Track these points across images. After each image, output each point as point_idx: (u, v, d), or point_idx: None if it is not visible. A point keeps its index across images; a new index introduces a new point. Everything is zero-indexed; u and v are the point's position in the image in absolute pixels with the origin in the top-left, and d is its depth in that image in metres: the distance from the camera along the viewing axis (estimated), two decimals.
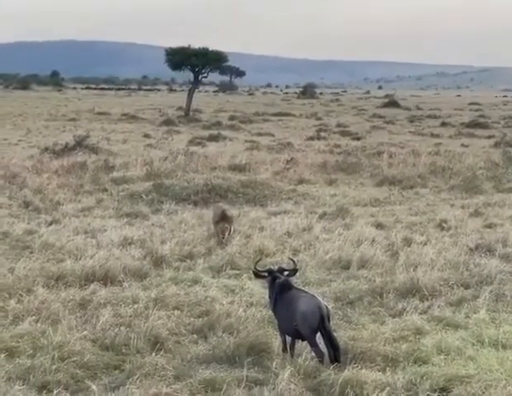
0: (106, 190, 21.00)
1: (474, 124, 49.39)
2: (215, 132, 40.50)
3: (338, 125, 48.96)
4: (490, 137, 40.26)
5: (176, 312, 10.39)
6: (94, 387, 7.96)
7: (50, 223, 16.41)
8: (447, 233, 15.80)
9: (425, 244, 14.35)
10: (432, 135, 42.38)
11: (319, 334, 8.56)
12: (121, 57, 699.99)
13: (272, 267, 9.71)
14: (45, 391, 8.01)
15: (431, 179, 23.68)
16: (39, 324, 9.63)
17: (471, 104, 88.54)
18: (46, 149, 29.11)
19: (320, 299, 8.83)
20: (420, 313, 10.45)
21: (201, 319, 10.24)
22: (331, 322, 8.85)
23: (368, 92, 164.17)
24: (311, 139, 38.75)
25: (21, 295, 10.79)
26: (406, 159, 27.20)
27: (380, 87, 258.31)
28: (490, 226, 16.70)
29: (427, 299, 11.13)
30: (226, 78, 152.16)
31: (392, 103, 79.76)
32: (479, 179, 23.42)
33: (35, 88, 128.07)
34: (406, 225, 16.71)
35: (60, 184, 21.31)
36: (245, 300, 11.00)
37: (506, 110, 73.59)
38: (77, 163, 24.55)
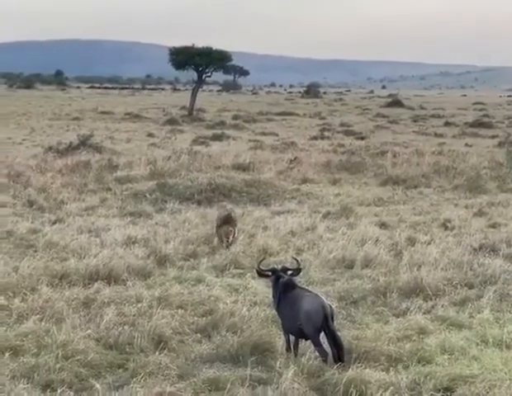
0: (109, 189, 21.02)
1: (478, 124, 49.34)
2: (218, 131, 40.53)
3: (342, 125, 48.96)
4: (494, 137, 40.21)
5: (179, 311, 10.39)
6: (98, 386, 7.96)
7: (54, 222, 16.44)
8: (450, 233, 15.79)
9: (429, 244, 14.33)
10: (436, 135, 42.34)
11: (322, 333, 8.56)
12: (125, 56, 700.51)
13: (275, 266, 9.72)
14: (49, 390, 8.01)
15: (435, 179, 23.66)
16: (43, 323, 9.64)
17: (475, 103, 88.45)
18: (50, 148, 29.17)
19: (323, 298, 8.83)
20: (424, 313, 10.44)
21: (204, 318, 10.24)
22: (335, 322, 8.84)
23: (372, 92, 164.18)
24: (315, 138, 38.75)
25: (25, 294, 10.80)
26: (410, 159, 27.18)
27: (383, 87, 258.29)
28: (494, 226, 16.68)
29: (431, 299, 11.12)
30: (230, 78, 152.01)
31: (396, 103, 79.73)
32: (483, 179, 23.39)
33: (38, 87, 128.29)
34: (410, 225, 16.70)
35: (64, 183, 21.35)
36: (249, 299, 11.00)
37: (510, 110, 73.52)
38: (81, 162, 24.60)
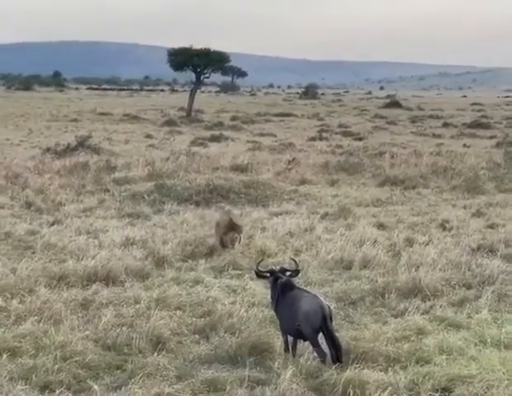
0: (108, 190, 20.99)
1: (476, 125, 49.38)
2: (216, 132, 40.54)
3: (340, 126, 48.98)
4: (492, 137, 40.26)
5: (178, 312, 10.39)
6: (96, 387, 7.96)
7: (52, 224, 16.43)
8: (449, 234, 15.80)
9: (427, 244, 14.33)
10: (434, 136, 42.36)
11: (321, 334, 8.56)
12: (123, 57, 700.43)
13: (274, 268, 9.72)
14: (47, 391, 8.02)
15: (433, 179, 23.66)
16: (41, 324, 9.63)
17: (473, 104, 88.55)
18: (48, 150, 29.16)
19: (322, 299, 8.82)
20: (422, 313, 10.44)
21: (203, 319, 10.23)
22: (333, 323, 8.84)
23: (370, 93, 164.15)
24: (313, 139, 38.76)
25: (23, 295, 10.79)
26: (408, 159, 27.19)
27: (382, 88, 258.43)
28: (492, 226, 16.68)
29: (429, 299, 11.12)
30: (228, 79, 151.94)
31: (394, 103, 79.77)
32: (481, 179, 23.40)
33: (37, 89, 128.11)
34: (408, 225, 16.70)
35: (62, 184, 21.34)
36: (247, 300, 10.99)
37: (508, 111, 73.54)
38: (79, 164, 24.58)
